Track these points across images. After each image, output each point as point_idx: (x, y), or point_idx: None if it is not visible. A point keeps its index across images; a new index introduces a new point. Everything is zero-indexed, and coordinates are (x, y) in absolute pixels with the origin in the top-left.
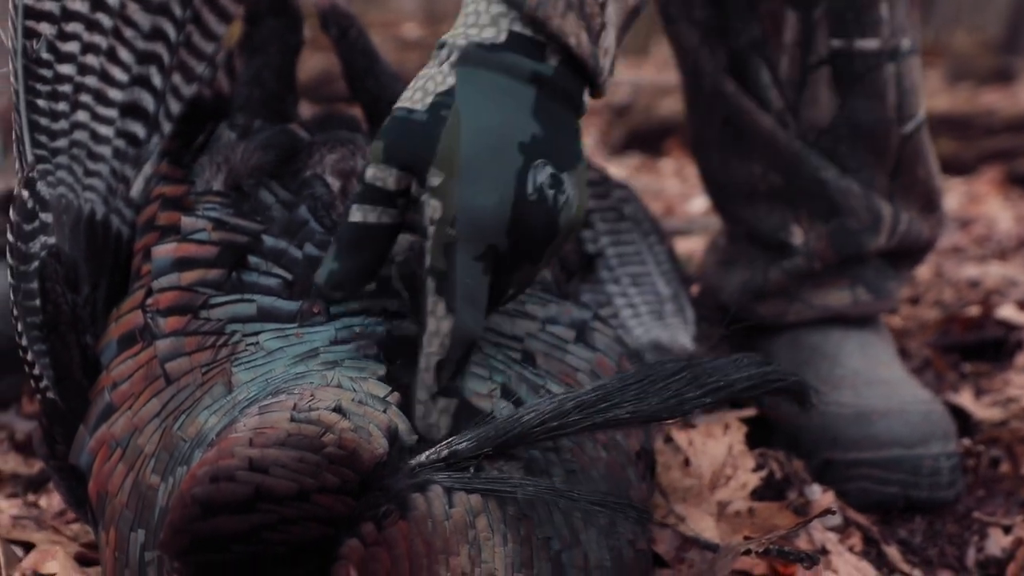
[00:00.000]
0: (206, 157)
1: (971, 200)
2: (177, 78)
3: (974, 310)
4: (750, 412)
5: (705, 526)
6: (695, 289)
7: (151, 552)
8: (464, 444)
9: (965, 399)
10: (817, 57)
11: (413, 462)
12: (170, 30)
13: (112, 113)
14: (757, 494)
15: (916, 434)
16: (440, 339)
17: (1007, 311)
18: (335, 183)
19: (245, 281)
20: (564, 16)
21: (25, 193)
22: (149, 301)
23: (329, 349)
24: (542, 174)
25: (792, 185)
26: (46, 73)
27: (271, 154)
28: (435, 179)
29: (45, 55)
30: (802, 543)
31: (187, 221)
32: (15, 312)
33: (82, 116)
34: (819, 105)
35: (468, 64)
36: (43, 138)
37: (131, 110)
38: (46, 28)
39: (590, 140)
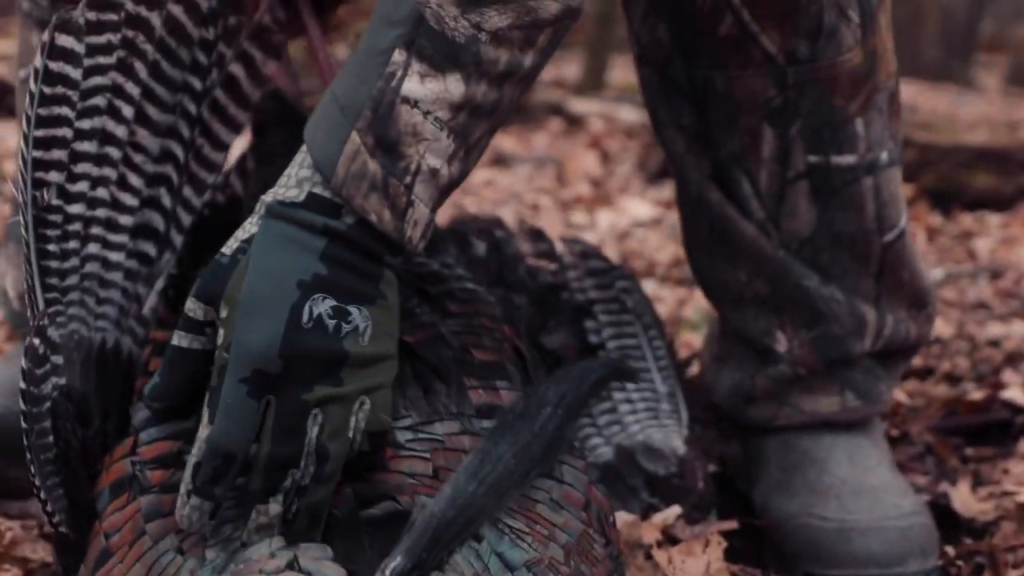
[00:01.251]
0: None
1: (1005, 243)
2: (188, 191)
3: (979, 394)
4: (732, 525)
5: None
6: (694, 377)
7: None
8: (397, 562)
9: (960, 494)
10: (795, 171)
11: None
12: (179, 151)
13: (123, 239)
14: None
15: (894, 553)
16: (199, 444)
17: (1014, 392)
18: None
19: None
20: (366, 197)
21: (36, 340)
22: (137, 451)
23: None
24: (321, 306)
25: (776, 292)
26: (56, 218)
27: None
28: (223, 312)
29: (55, 201)
30: None
31: None
32: (29, 450)
33: (93, 248)
34: (799, 216)
35: (271, 217)
36: (53, 280)
37: (142, 231)
38: (55, 176)
39: (627, 166)
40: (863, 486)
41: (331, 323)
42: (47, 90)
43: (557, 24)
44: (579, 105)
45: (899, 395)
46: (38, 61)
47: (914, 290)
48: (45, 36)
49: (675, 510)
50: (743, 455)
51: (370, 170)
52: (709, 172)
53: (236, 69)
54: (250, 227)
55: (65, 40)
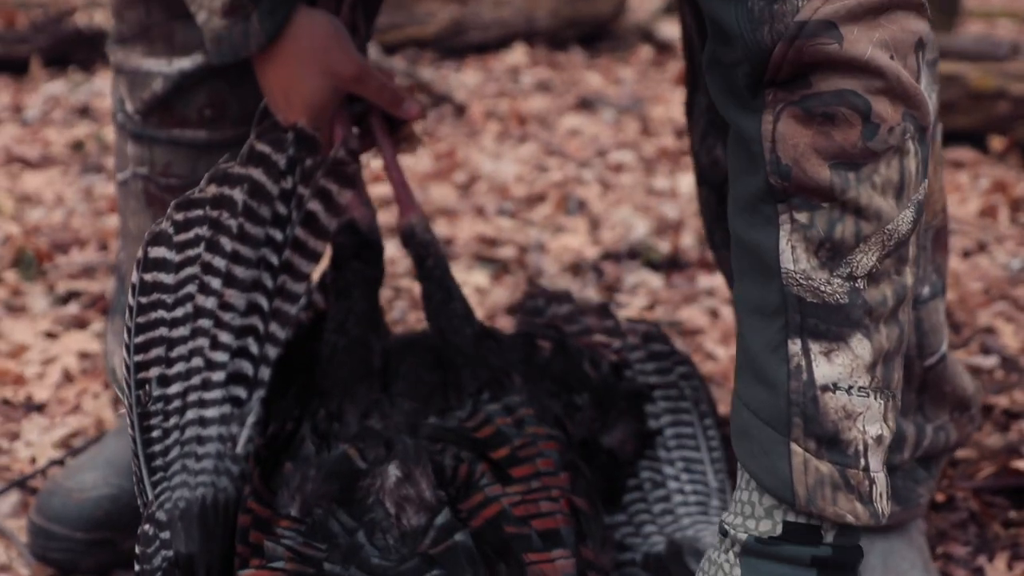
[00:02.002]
0: (288, 475)
1: None
2: (273, 326)
3: None
4: None
5: None
6: None
7: None
8: None
9: (995, 571)
10: None
11: None
12: (263, 301)
13: (217, 394)
14: None
15: None
16: None
17: None
18: (392, 508)
19: None
20: (835, 502)
21: (147, 526)
22: None
23: None
24: None
25: None
26: (157, 407)
27: (335, 484)
28: None
29: (156, 392)
30: None
31: (269, 547)
32: None
33: (191, 414)
34: None
35: (751, 556)
36: (158, 463)
37: (233, 378)
38: (155, 371)
39: None
40: None
41: None
42: (143, 300)
43: (916, 228)
44: (668, 29)
45: None
46: (135, 276)
47: (956, 399)
48: (139, 252)
49: None
50: None
51: (825, 473)
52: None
53: (314, 205)
54: (727, 566)
55: (157, 251)
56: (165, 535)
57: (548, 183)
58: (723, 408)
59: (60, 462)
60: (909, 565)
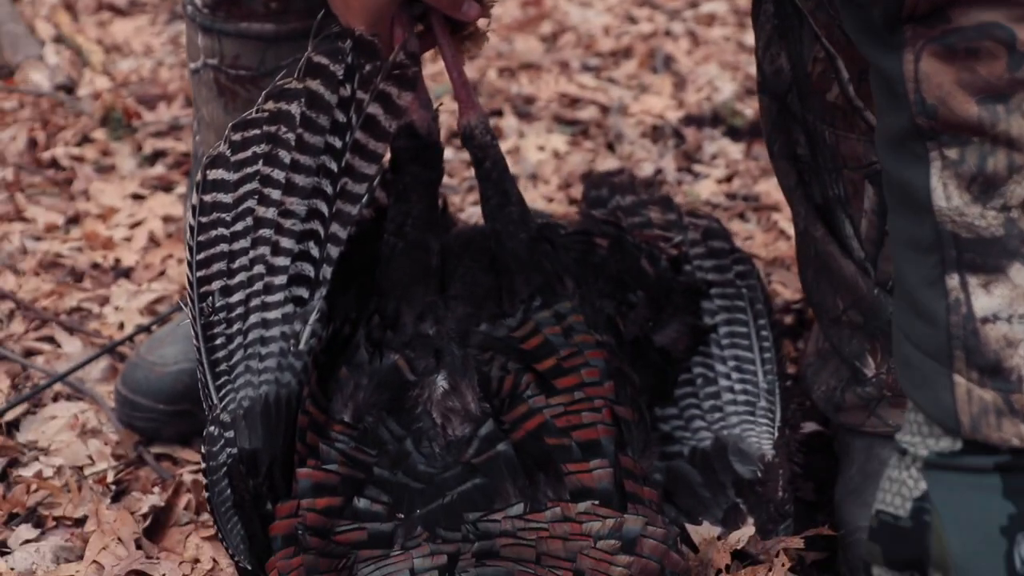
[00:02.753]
0: (343, 381)
1: None
2: (334, 226)
3: None
4: (799, 543)
5: None
6: (794, 374)
7: None
8: None
9: None
10: None
11: None
12: (324, 206)
13: (279, 296)
14: None
15: None
16: None
17: None
18: (439, 418)
19: (359, 510)
20: (1000, 427)
21: (211, 428)
22: (299, 515)
23: None
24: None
25: (869, 324)
26: (220, 316)
27: (386, 393)
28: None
29: (219, 303)
30: None
31: (323, 449)
32: (212, 503)
33: (254, 318)
34: None
35: (935, 469)
36: (222, 368)
37: (295, 280)
38: (216, 284)
39: None
40: None
41: None
42: (204, 220)
43: None
44: None
45: None
46: (194, 198)
47: None
48: (199, 175)
49: (748, 531)
50: (837, 438)
51: (988, 401)
52: (815, 209)
53: (374, 109)
54: (912, 482)
55: (215, 173)
56: (229, 434)
57: (636, 36)
58: (790, 293)
59: (147, 329)
60: None
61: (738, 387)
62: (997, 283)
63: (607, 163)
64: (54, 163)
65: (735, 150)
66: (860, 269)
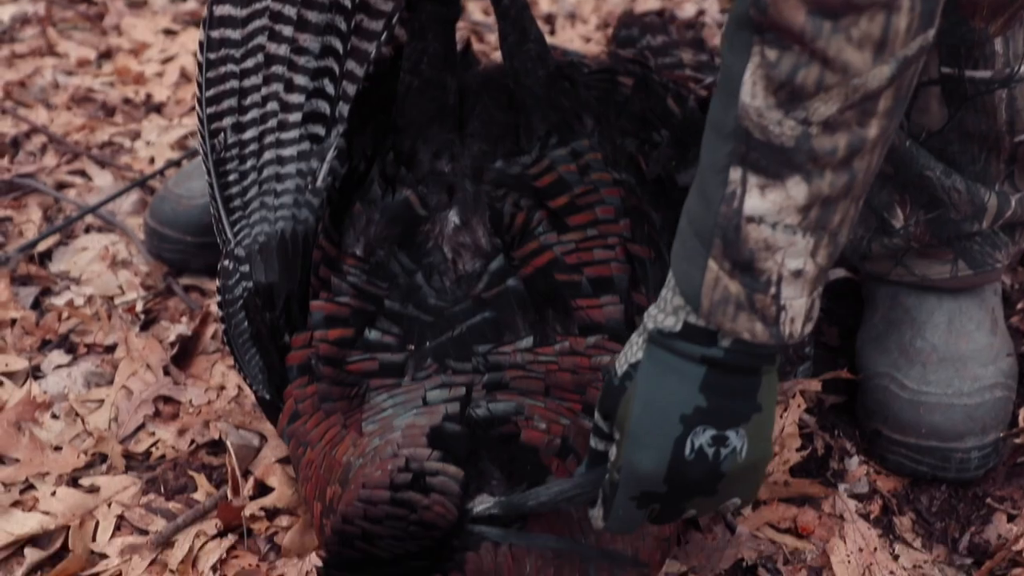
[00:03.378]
0: (356, 215)
1: None
2: (351, 63)
3: None
4: (816, 385)
5: None
6: None
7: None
8: (489, 505)
9: None
10: (928, 77)
11: (472, 515)
12: (338, 43)
13: (295, 133)
14: (798, 468)
15: (955, 430)
16: (594, 522)
17: None
18: (449, 253)
19: (370, 341)
20: (735, 320)
21: (226, 262)
22: (312, 345)
23: (424, 409)
24: (701, 437)
25: (900, 175)
26: (233, 152)
27: (397, 227)
28: (616, 434)
29: (231, 139)
30: (825, 506)
31: (335, 282)
32: (229, 336)
33: (268, 155)
34: (930, 113)
35: (653, 344)
36: (236, 204)
37: (311, 118)
38: (228, 121)
39: None
40: (952, 354)
41: (710, 451)
42: (212, 56)
43: (897, 82)
44: None
45: None
46: (201, 34)
47: None
48: (204, 11)
49: None
50: (863, 283)
51: (732, 293)
52: None
53: None
54: (634, 348)
55: (222, 9)
56: (244, 268)
57: None
58: None
59: (177, 163)
60: (975, 326)
61: None
62: (773, 189)
63: (648, 3)
64: None
65: None
66: None
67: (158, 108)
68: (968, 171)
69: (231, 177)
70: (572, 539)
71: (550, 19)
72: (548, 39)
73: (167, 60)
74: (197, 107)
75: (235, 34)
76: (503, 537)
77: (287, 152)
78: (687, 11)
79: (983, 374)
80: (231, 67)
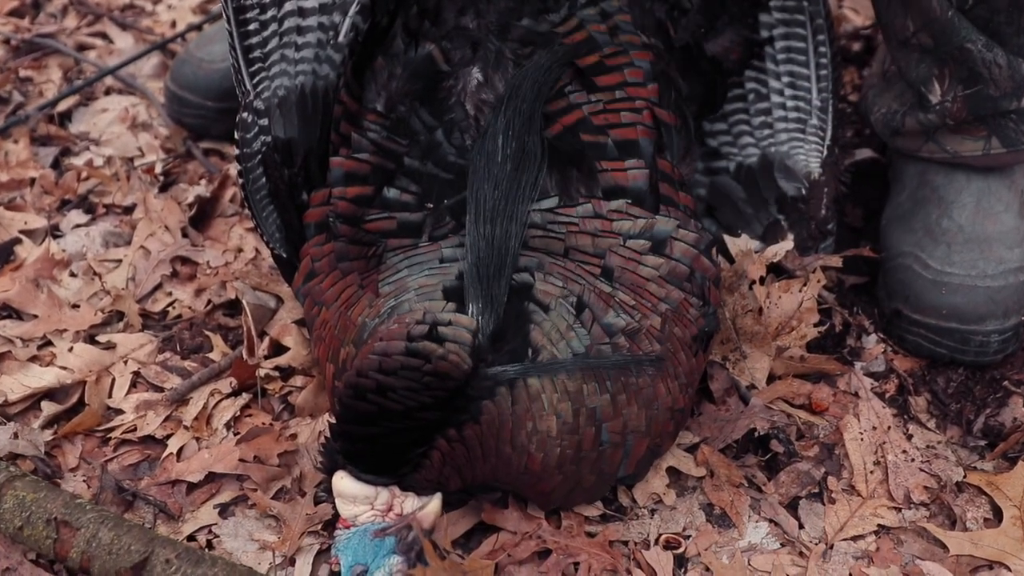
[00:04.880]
0: (378, 70)
1: None
2: None
3: None
4: (837, 262)
5: (761, 365)
6: (847, 94)
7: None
8: (480, 319)
9: None
10: None
11: (486, 368)
12: None
13: None
14: (815, 344)
15: (975, 313)
16: None
17: None
18: (471, 110)
19: (388, 199)
20: None
21: (245, 114)
22: (330, 203)
23: (439, 268)
24: None
25: (940, 47)
26: (253, 1)
27: (419, 83)
28: None
29: None
30: (841, 384)
31: (355, 138)
32: (245, 192)
33: (289, 5)
34: None
35: None
36: (256, 54)
37: None
38: None
39: None
40: (978, 235)
41: None
42: None
43: None
44: None
45: None
46: None
47: None
48: None
49: (786, 245)
50: (891, 160)
51: None
52: None
53: None
54: None
55: None
56: (264, 121)
57: None
58: (860, 20)
59: (198, 27)
60: (1003, 207)
61: (790, 103)
62: None
63: None
64: None
65: None
66: None
67: None
68: (1011, 44)
69: (252, 27)
70: (588, 356)
71: None
72: None
73: None
74: None
75: None
76: (522, 371)
77: (309, 3)
78: None
79: (1008, 256)
80: None
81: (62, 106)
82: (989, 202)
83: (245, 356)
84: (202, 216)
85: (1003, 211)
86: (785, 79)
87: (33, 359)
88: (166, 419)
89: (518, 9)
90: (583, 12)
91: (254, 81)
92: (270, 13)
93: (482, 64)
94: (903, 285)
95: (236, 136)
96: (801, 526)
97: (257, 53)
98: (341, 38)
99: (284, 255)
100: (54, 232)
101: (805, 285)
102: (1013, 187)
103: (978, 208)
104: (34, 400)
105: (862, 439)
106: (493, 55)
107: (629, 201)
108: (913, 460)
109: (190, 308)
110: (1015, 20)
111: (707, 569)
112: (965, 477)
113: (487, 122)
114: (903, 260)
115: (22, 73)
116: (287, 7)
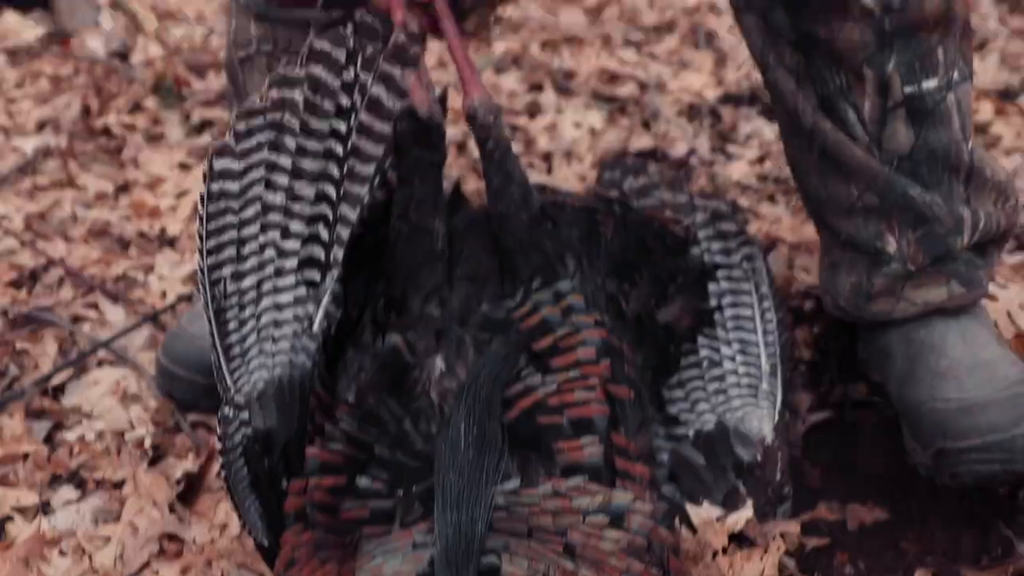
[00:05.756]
0: (349, 362)
1: None
2: (344, 208)
3: None
4: (794, 527)
5: None
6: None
7: None
8: None
9: None
10: (894, 101)
11: None
12: (331, 189)
13: (291, 279)
14: None
15: (1008, 418)
16: None
17: None
18: (436, 398)
19: (361, 488)
20: None
21: (227, 409)
22: (307, 493)
23: (412, 554)
24: None
25: (885, 202)
26: (232, 301)
27: (387, 374)
28: None
29: (230, 287)
30: None
31: (329, 429)
32: (229, 483)
33: (266, 302)
34: (898, 138)
35: None
36: (235, 351)
37: (306, 263)
38: (227, 270)
39: None
40: (978, 362)
41: None
42: (212, 208)
43: None
44: None
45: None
46: (203, 187)
47: (996, 185)
48: (204, 165)
49: (746, 513)
50: (873, 349)
51: None
52: (818, 105)
53: (377, 90)
54: None
55: (222, 163)
56: (244, 415)
57: (680, 10)
58: (811, 279)
59: (188, 299)
60: (986, 339)
61: (742, 369)
62: None
63: (642, 141)
64: (106, 131)
65: (770, 131)
66: (868, 151)
67: (171, 242)
68: (940, 191)
69: (231, 326)
70: None
71: (547, 157)
72: (544, 177)
73: (181, 194)
74: (198, 257)
75: (233, 186)
76: None
77: (284, 298)
78: (679, 150)
79: (1013, 373)
80: (230, 218)
81: (56, 379)
82: (973, 336)
83: None
84: (189, 491)
85: (987, 342)
86: (736, 346)
87: None
88: None
89: (478, 295)
90: (537, 296)
91: (234, 377)
92: (248, 311)
93: (445, 353)
94: (936, 426)
95: (217, 431)
96: None
97: (236, 350)
98: (315, 327)
99: (265, 543)
100: (45, 508)
101: (766, 552)
102: (984, 324)
103: (966, 343)
104: None
105: None
106: (455, 343)
107: (587, 477)
108: None
109: None
110: (935, 171)
111: None
112: None
113: (450, 410)
114: (926, 406)
115: (19, 346)
116: (264, 303)
